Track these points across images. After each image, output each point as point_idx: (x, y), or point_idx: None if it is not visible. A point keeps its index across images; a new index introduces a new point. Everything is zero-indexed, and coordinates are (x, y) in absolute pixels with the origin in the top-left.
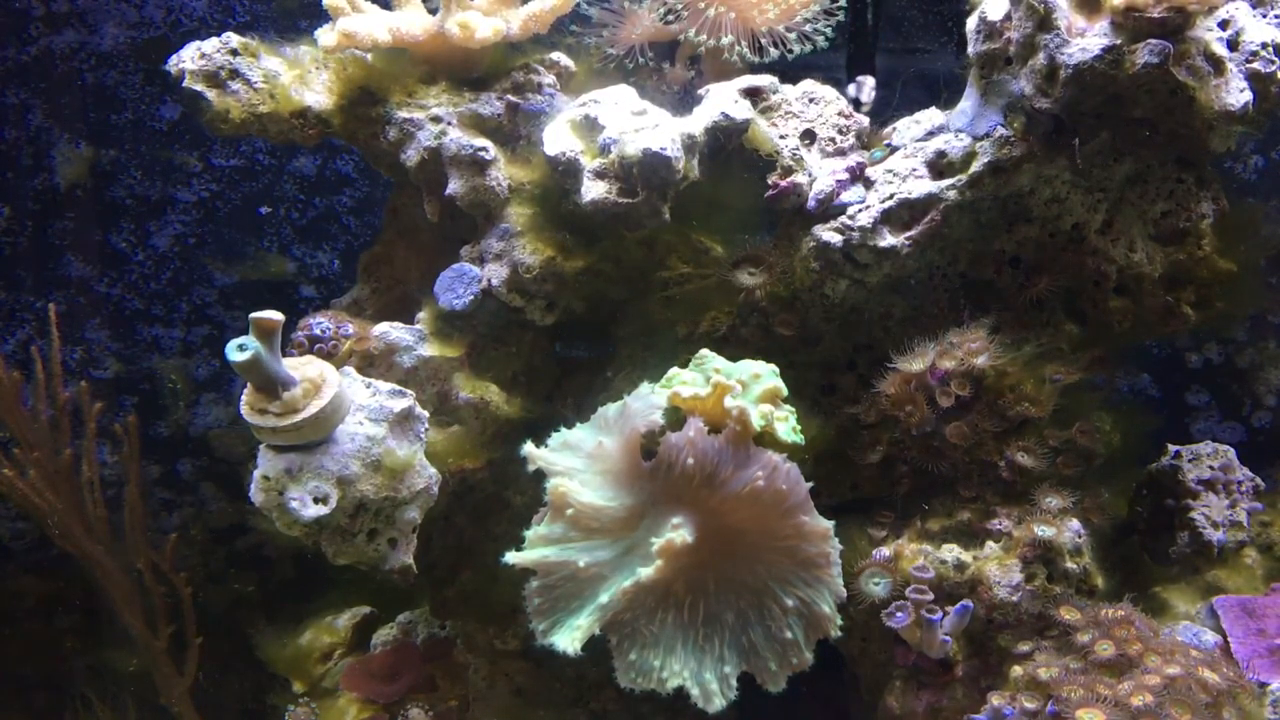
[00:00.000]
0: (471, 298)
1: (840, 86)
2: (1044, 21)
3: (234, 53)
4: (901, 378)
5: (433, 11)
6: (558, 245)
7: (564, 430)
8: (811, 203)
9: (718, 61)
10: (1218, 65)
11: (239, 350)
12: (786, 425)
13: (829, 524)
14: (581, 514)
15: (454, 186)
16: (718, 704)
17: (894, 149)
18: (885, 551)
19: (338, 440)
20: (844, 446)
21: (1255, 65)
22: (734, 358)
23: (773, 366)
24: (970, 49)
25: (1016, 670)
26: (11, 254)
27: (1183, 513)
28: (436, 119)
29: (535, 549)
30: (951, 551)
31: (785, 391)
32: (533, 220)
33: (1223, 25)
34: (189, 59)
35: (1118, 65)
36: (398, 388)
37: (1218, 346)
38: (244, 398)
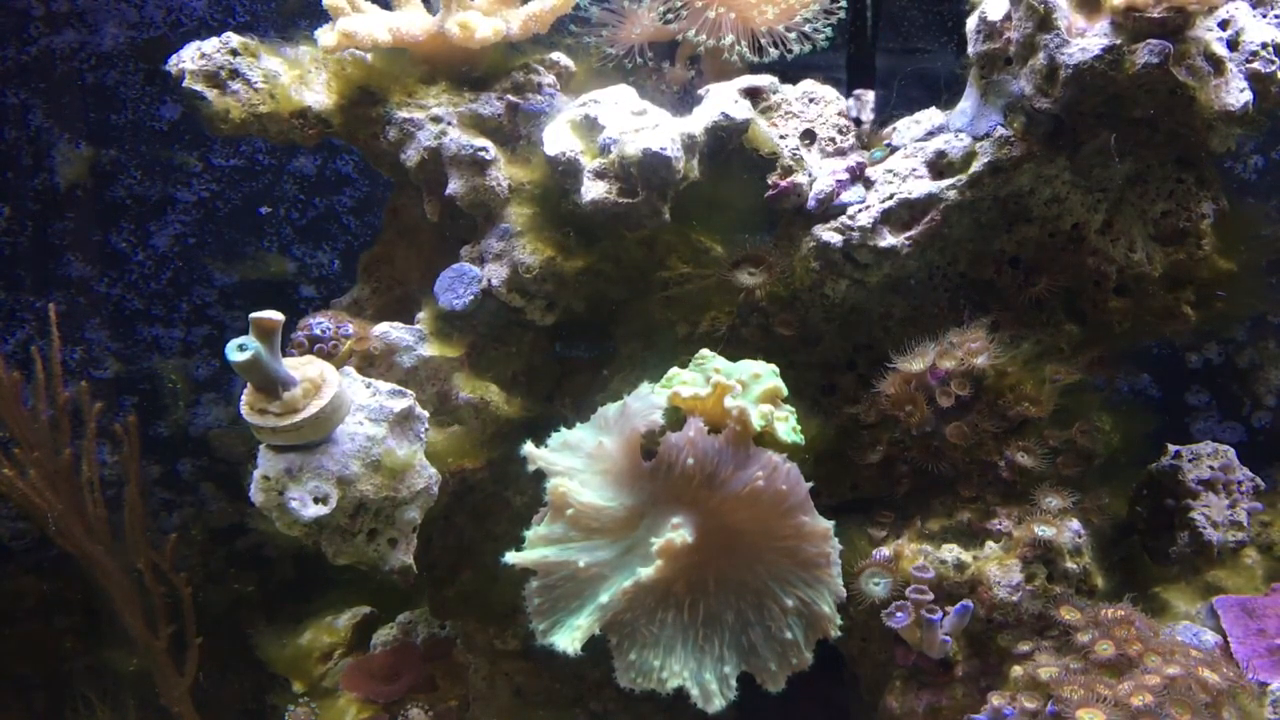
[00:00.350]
0: (471, 298)
1: (840, 86)
2: (1044, 21)
3: (234, 53)
4: (901, 378)
5: (433, 11)
6: (558, 245)
7: (564, 430)
8: (811, 203)
9: (718, 61)
10: (1218, 65)
11: (239, 350)
12: (786, 425)
13: (829, 524)
14: (581, 514)
15: (454, 186)
16: (717, 704)
17: (894, 149)
18: (885, 551)
19: (338, 440)
20: (844, 446)
21: (1255, 65)
22: (734, 358)
23: (773, 366)
24: (970, 49)
25: (1016, 670)
26: (11, 254)
27: (1183, 513)
28: (436, 119)
29: (535, 549)
30: (951, 551)
31: (785, 391)
32: (533, 220)
33: (1223, 25)
34: (189, 59)
35: (1118, 65)
36: (398, 388)
37: (1218, 346)
38: (244, 398)
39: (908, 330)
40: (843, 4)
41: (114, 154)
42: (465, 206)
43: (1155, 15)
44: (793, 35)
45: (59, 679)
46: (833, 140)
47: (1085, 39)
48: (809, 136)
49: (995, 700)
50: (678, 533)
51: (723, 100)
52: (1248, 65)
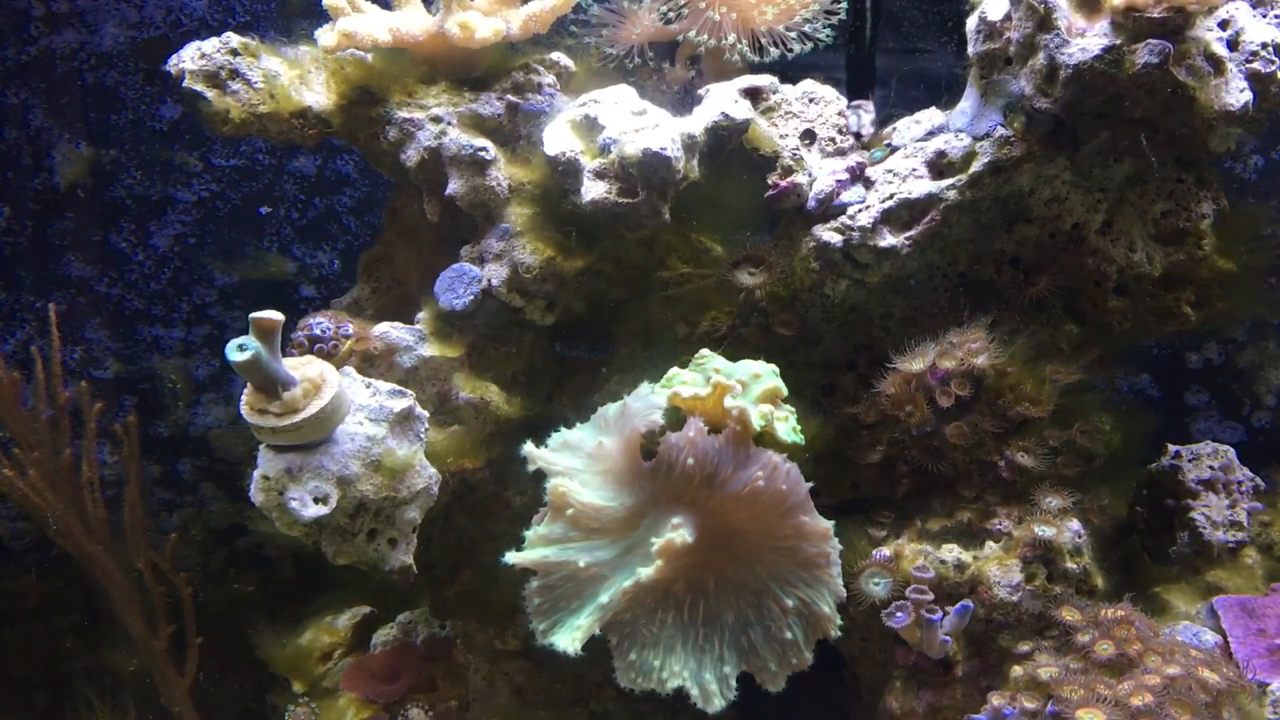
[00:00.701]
0: (471, 298)
1: (840, 86)
2: (1044, 21)
3: (234, 53)
4: (901, 378)
5: (433, 12)
6: (558, 245)
7: (564, 430)
8: (811, 203)
9: (718, 61)
10: (1218, 65)
11: (239, 350)
12: (786, 425)
13: (829, 524)
14: (581, 514)
15: (454, 186)
16: (717, 704)
17: (894, 149)
18: (885, 551)
19: (338, 440)
20: (844, 446)
21: (1255, 65)
22: (734, 358)
23: (773, 366)
24: (970, 49)
25: (1016, 670)
26: (11, 254)
27: (1183, 513)
28: (436, 119)
29: (535, 549)
30: (951, 551)
31: (785, 391)
32: (533, 220)
33: (1223, 25)
34: (189, 59)
35: (1118, 65)
36: (398, 388)
37: (1218, 346)
38: (244, 398)
39: (908, 330)
40: (843, 4)
41: (114, 154)
42: (465, 206)
43: (1155, 15)
44: (793, 35)
45: (59, 679)
46: (833, 140)
47: (1085, 39)
48: (809, 136)
49: (995, 700)
50: (678, 533)
51: (723, 100)
52: (1248, 65)
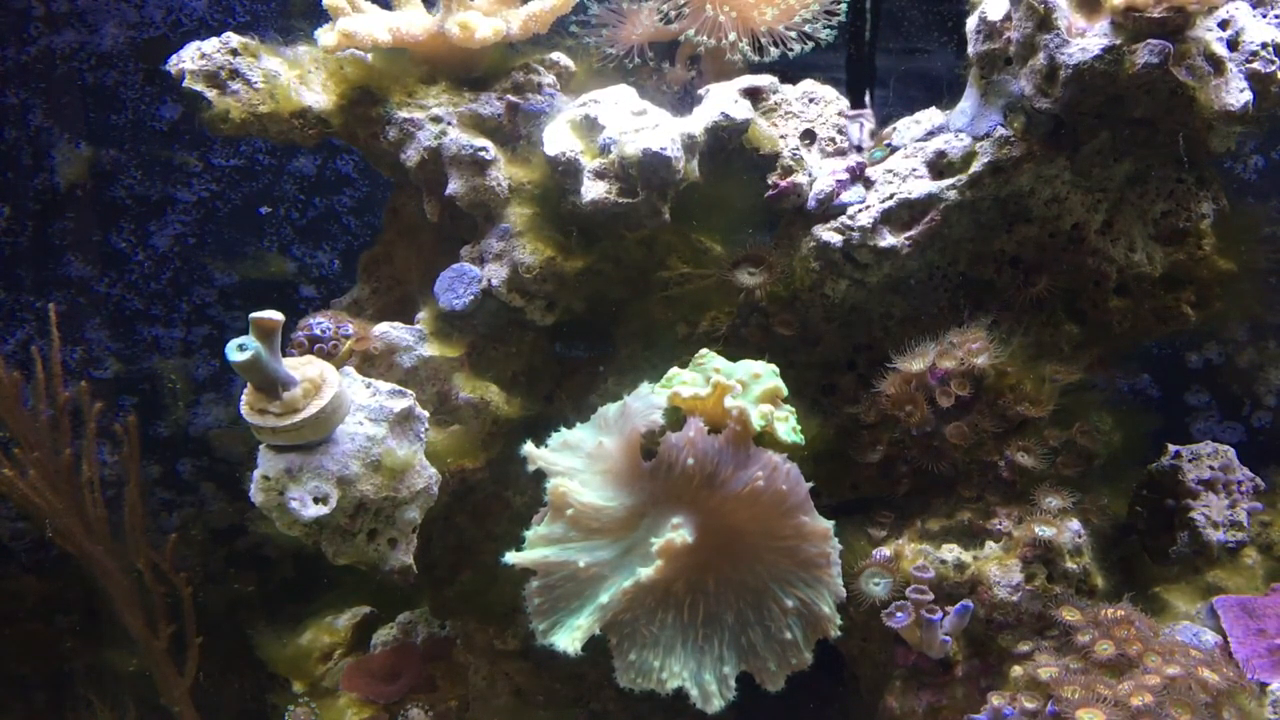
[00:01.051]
0: (471, 298)
1: (840, 86)
2: (1044, 21)
3: (234, 53)
4: (901, 378)
5: (433, 12)
6: (558, 245)
7: (564, 430)
8: (811, 203)
9: (718, 61)
10: (1218, 65)
11: (239, 350)
12: (786, 425)
13: (829, 524)
14: (581, 514)
15: (454, 186)
16: (716, 704)
17: (894, 149)
18: (885, 551)
19: (338, 440)
20: (844, 446)
21: (1255, 65)
22: (734, 358)
23: (773, 366)
24: (970, 49)
25: (1016, 670)
26: (11, 254)
27: (1183, 513)
28: (436, 119)
29: (535, 549)
30: (951, 551)
31: (785, 391)
32: (533, 220)
33: (1223, 25)
34: (189, 59)
35: (1118, 65)
36: (398, 388)
37: (1218, 346)
38: (244, 398)
39: (908, 330)
40: (843, 4)
41: (114, 154)
42: (465, 206)
43: (1155, 15)
44: (793, 35)
45: (59, 679)
46: (833, 140)
47: (1085, 39)
48: (809, 136)
49: (995, 700)
50: (678, 533)
51: (723, 100)
52: (1248, 65)
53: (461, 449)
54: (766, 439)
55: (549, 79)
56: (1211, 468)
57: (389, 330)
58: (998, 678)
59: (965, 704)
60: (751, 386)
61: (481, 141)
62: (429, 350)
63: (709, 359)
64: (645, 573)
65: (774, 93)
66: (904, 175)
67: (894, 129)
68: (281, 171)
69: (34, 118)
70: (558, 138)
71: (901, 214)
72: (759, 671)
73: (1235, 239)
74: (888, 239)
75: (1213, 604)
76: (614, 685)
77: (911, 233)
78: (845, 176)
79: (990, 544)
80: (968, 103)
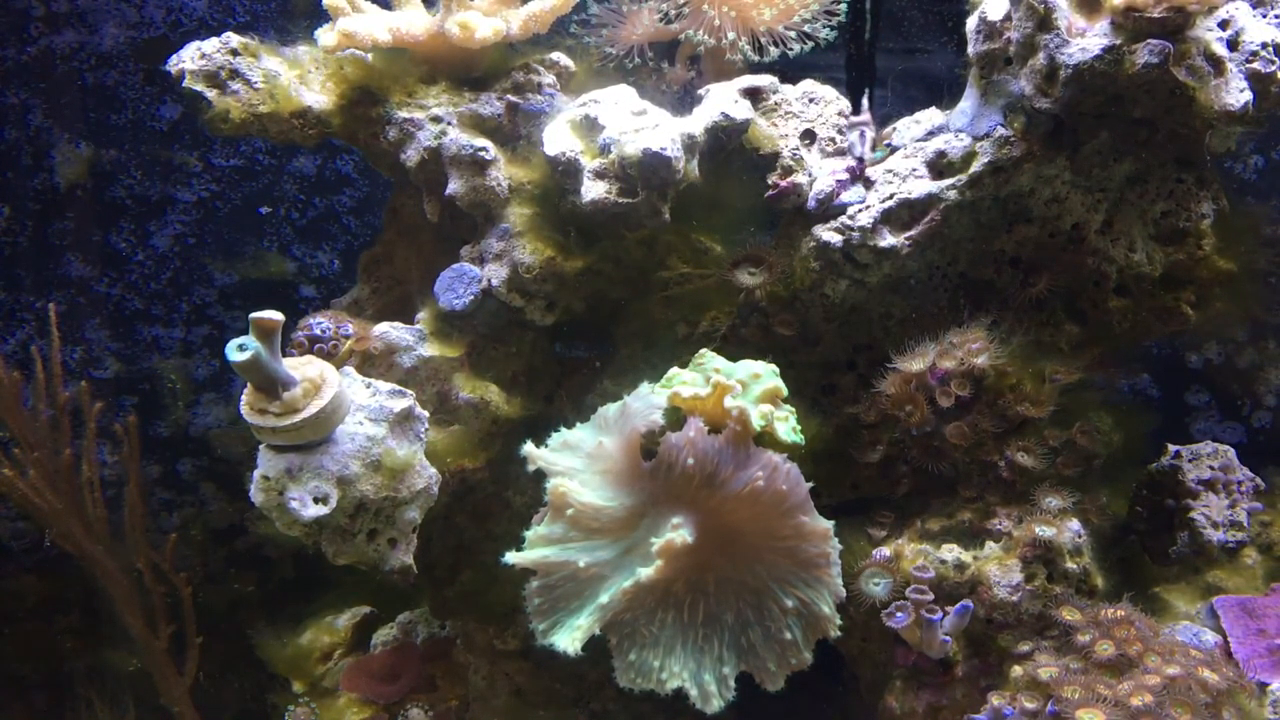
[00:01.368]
0: (471, 298)
1: (840, 86)
2: (1044, 21)
3: (234, 53)
4: (901, 378)
5: (433, 12)
6: (558, 245)
7: (564, 430)
8: (811, 203)
9: (718, 61)
10: (1218, 65)
11: (239, 350)
12: (786, 425)
13: (829, 524)
14: (581, 514)
15: (454, 186)
16: (716, 704)
17: (894, 149)
18: (885, 551)
19: (338, 440)
20: (844, 446)
21: (1255, 65)
22: (734, 358)
23: (773, 366)
24: (970, 49)
25: (1016, 670)
26: (11, 254)
27: (1183, 513)
28: (436, 119)
29: (535, 549)
30: (951, 551)
31: (785, 391)
32: (533, 220)
33: (1223, 25)
34: (189, 59)
35: (1118, 65)
36: (398, 388)
37: (1218, 346)
38: (244, 398)
39: (908, 330)
40: (843, 4)
41: (114, 154)
42: (465, 206)
43: (1155, 15)
44: (793, 35)
45: (59, 679)
46: (833, 140)
47: (1085, 39)
48: (809, 136)
49: (995, 700)
50: (678, 533)
51: (723, 100)
52: (1248, 65)
53: (461, 449)
54: (766, 439)
55: (549, 79)
56: (1211, 468)
57: (389, 330)
58: (998, 678)
59: (965, 704)
60: (751, 386)
61: (481, 141)
62: (429, 350)
63: (709, 359)
64: (645, 573)
65: (774, 93)
66: (904, 175)
67: (894, 129)
68: (281, 171)
69: (34, 118)
70: (558, 138)
71: (901, 214)
72: (759, 671)
73: (1235, 239)
74: (888, 239)
75: (1213, 604)
76: (614, 685)
77: (911, 233)
78: (845, 176)
79: (990, 544)
80: (968, 103)
